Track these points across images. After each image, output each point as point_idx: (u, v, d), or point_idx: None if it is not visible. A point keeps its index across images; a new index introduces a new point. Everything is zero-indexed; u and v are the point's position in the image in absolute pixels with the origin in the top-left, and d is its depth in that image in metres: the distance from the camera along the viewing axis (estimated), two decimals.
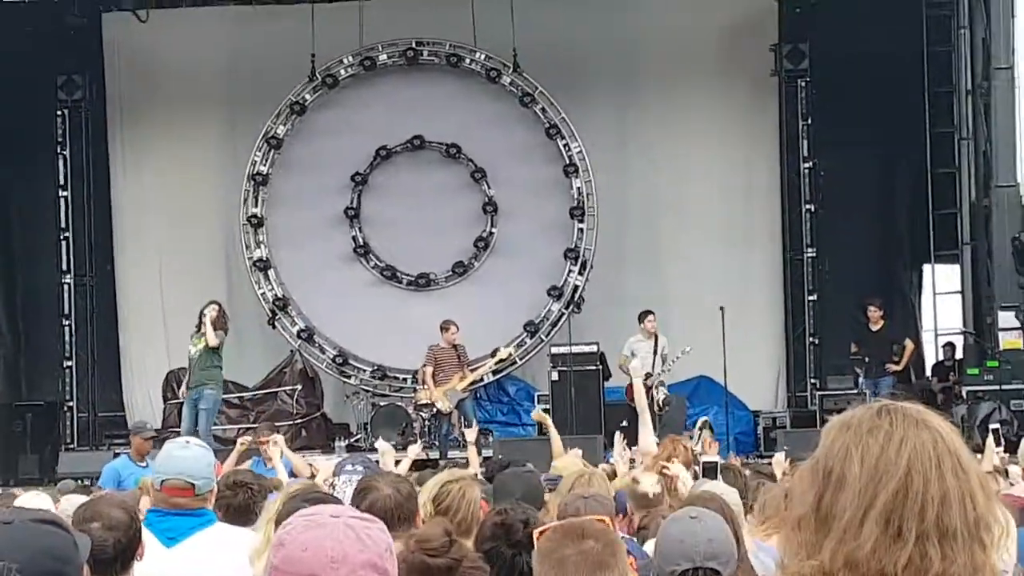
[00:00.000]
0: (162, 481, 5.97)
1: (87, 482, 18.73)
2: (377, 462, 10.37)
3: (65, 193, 25.16)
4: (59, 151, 25.21)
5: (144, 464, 15.80)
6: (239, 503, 7.21)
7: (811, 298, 24.39)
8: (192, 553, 5.85)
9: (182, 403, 23.48)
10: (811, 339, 24.36)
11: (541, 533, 4.59)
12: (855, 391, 21.94)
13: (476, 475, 9.79)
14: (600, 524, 4.64)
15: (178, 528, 5.91)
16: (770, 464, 12.62)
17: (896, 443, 2.47)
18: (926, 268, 25.15)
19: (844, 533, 2.45)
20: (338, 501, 5.92)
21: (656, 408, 20.81)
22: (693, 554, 4.69)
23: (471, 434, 15.78)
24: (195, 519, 5.96)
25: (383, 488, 5.79)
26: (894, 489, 2.43)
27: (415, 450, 14.29)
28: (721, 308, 21.92)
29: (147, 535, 5.82)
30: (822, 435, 2.58)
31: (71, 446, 23.96)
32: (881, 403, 2.56)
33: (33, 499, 6.90)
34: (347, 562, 2.87)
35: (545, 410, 22.19)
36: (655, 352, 21.05)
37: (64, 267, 25.15)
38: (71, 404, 24.81)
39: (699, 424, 18.70)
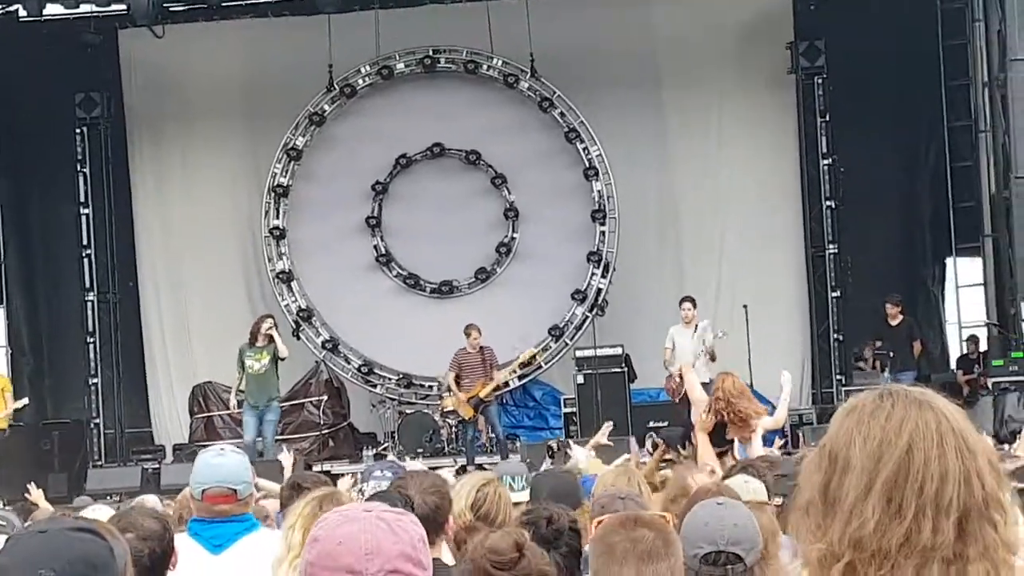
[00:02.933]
0: (203, 490, 5.99)
1: (116, 498, 18.78)
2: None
3: (86, 210, 25.16)
4: (79, 168, 25.21)
5: None
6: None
7: (834, 294, 24.33)
8: (239, 559, 5.88)
9: (208, 417, 23.64)
10: (835, 335, 24.29)
11: (599, 523, 4.59)
12: (879, 386, 21.80)
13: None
14: (658, 518, 4.63)
15: (224, 535, 5.93)
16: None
17: (896, 423, 2.48)
18: (948, 261, 25.06)
19: (849, 514, 2.45)
20: None
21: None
22: (717, 537, 4.66)
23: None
24: (239, 524, 6.00)
25: (414, 495, 5.75)
26: (894, 467, 2.44)
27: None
28: (744, 306, 21.91)
29: (193, 544, 5.85)
30: (830, 422, 2.59)
31: (99, 463, 23.92)
32: (885, 387, 2.58)
33: (94, 512, 7.00)
34: (381, 553, 2.91)
35: (571, 413, 22.32)
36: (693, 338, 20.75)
37: (87, 285, 25.13)
38: (97, 421, 24.81)
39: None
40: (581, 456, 11.47)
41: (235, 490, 5.96)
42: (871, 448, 2.47)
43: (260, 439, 20.29)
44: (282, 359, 20.35)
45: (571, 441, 16.60)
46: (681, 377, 20.33)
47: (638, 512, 4.81)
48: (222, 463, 6.05)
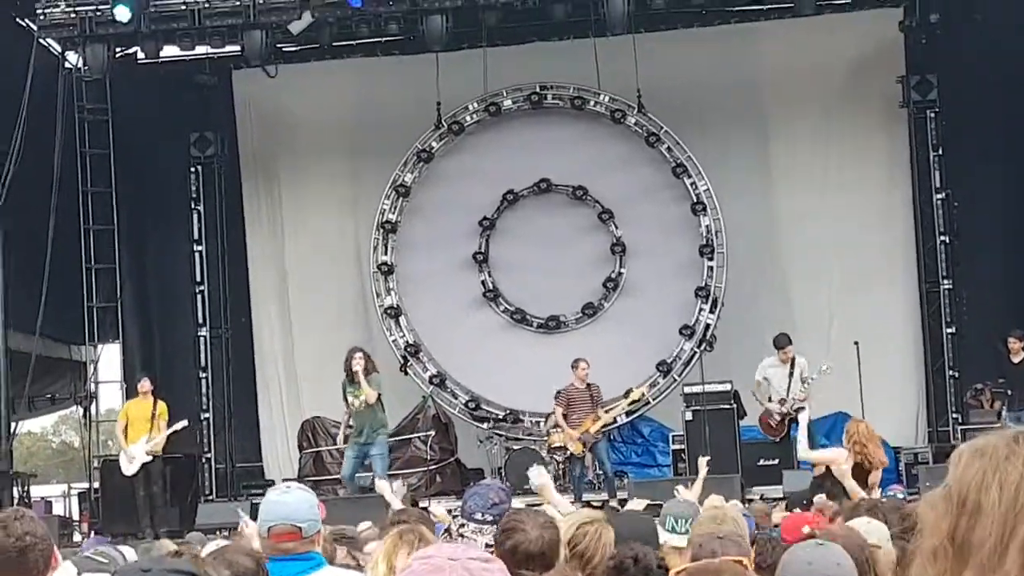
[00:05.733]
0: (268, 528, 5.96)
1: (226, 532, 18.86)
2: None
3: (200, 248, 25.56)
4: (193, 207, 25.63)
5: None
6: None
7: (949, 331, 23.99)
8: None
9: (317, 452, 23.72)
10: (951, 372, 23.93)
11: (677, 574, 4.52)
12: (997, 424, 21.44)
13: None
14: (736, 565, 4.56)
15: (287, 572, 5.89)
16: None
17: None
18: None
19: (985, 562, 2.34)
20: None
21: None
22: None
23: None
24: (304, 563, 5.94)
25: (530, 530, 5.69)
26: None
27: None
28: (856, 343, 21.61)
29: None
30: (951, 463, 2.47)
31: (209, 497, 24.07)
32: (1018, 429, 2.45)
33: (213, 548, 7.13)
34: None
35: (679, 450, 22.12)
36: (790, 376, 20.67)
37: (200, 320, 25.48)
38: (208, 456, 25.04)
39: None
40: (690, 499, 11.33)
41: (300, 528, 5.92)
42: (1009, 495, 2.35)
43: (366, 474, 20.17)
44: (368, 404, 19.55)
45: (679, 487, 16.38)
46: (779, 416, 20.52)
47: (718, 563, 4.73)
48: (286, 501, 6.00)
